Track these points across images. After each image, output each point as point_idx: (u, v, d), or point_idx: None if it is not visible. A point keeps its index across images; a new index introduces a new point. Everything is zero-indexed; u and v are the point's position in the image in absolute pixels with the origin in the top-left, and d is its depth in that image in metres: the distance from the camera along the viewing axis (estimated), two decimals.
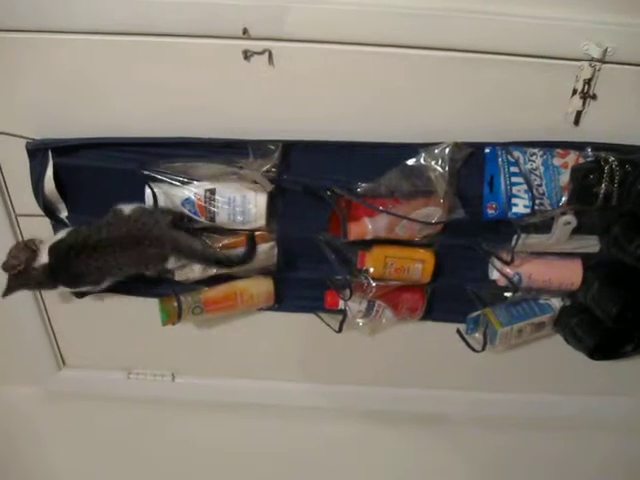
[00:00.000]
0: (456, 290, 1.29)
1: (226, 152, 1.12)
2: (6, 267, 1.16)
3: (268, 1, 1.01)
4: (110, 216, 1.14)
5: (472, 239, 1.21)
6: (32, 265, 1.15)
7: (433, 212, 1.12)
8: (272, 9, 1.01)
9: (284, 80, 1.08)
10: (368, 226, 1.14)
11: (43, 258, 1.15)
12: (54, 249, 1.15)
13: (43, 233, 1.21)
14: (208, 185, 1.13)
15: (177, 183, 1.14)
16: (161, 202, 1.14)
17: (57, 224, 1.22)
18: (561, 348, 1.34)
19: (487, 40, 1.05)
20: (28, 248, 1.16)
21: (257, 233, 1.20)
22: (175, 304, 1.25)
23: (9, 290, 1.18)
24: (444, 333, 1.35)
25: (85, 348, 1.48)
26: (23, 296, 1.35)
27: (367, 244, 1.20)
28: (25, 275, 1.16)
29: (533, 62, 1.07)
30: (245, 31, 1.03)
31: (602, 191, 1.10)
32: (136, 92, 1.12)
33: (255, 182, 1.13)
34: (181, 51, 1.07)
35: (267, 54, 1.05)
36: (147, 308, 1.30)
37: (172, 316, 1.25)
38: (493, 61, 1.07)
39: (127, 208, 1.14)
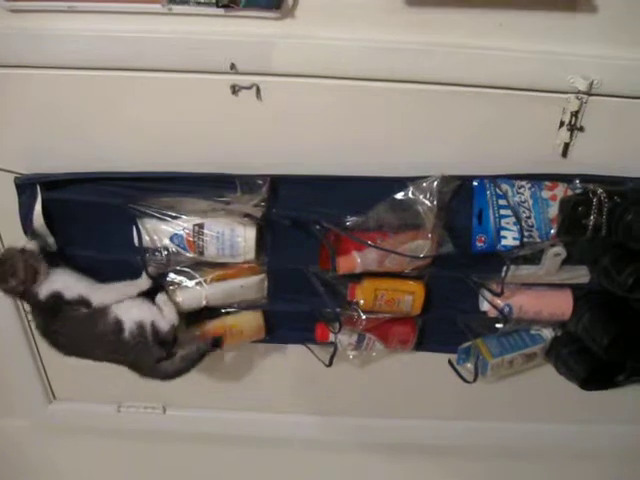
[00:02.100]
0: (447, 321, 1.29)
1: (214, 187, 1.12)
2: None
3: (255, 37, 1.02)
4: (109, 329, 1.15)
5: (462, 271, 1.21)
6: (33, 289, 1.13)
7: (422, 245, 1.12)
8: (259, 45, 1.02)
9: (272, 115, 1.09)
10: (357, 260, 1.13)
11: (53, 284, 1.14)
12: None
13: None
14: (196, 220, 1.13)
15: (165, 218, 1.14)
16: (149, 238, 1.14)
17: (46, 257, 1.21)
18: (553, 377, 1.34)
19: (474, 74, 1.05)
20: (29, 267, 1.12)
21: (247, 266, 1.20)
22: None
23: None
24: (435, 363, 1.35)
25: (75, 381, 1.46)
26: (12, 329, 1.35)
27: (357, 276, 1.20)
28: (26, 300, 1.15)
29: (520, 95, 1.07)
30: (233, 66, 1.03)
31: (591, 223, 1.11)
32: (124, 127, 1.12)
33: (244, 216, 1.13)
34: (169, 86, 1.07)
35: (255, 89, 1.05)
36: None
37: None
38: (480, 94, 1.07)
39: (127, 329, 1.14)
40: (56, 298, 1.13)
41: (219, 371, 1.39)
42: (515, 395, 1.46)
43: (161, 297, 1.18)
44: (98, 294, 1.15)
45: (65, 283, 1.14)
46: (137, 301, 1.17)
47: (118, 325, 1.14)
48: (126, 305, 1.16)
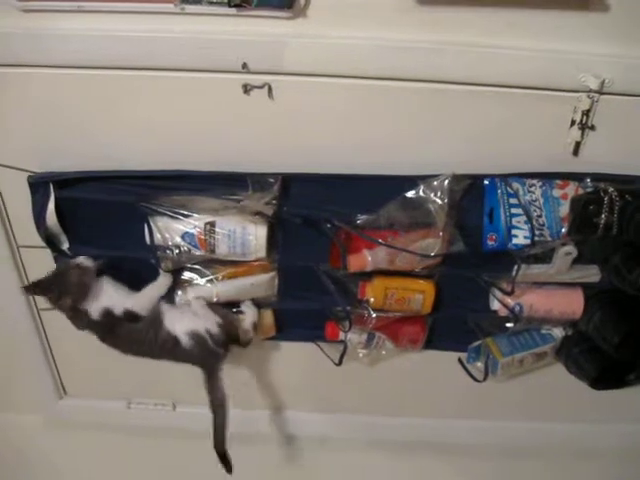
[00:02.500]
0: (457, 320, 1.29)
1: (226, 185, 1.12)
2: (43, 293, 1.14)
3: (267, 36, 1.02)
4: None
5: (473, 270, 1.21)
6: (83, 307, 1.14)
7: (432, 244, 1.12)
8: (271, 44, 1.02)
9: (284, 114, 1.09)
10: (368, 258, 1.14)
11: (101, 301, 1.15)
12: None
13: (44, 264, 1.22)
14: (208, 218, 1.14)
15: (177, 216, 1.14)
16: (161, 236, 1.15)
17: (58, 255, 1.22)
18: (562, 376, 1.34)
19: (486, 73, 1.05)
20: (82, 284, 1.14)
21: (257, 263, 1.20)
22: None
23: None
24: (444, 362, 1.35)
25: (86, 377, 1.48)
26: (24, 325, 1.36)
27: (368, 275, 1.21)
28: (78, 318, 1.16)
29: (531, 94, 1.07)
30: (245, 65, 1.03)
31: (602, 221, 1.10)
32: (137, 126, 1.12)
33: (255, 214, 1.13)
34: (181, 85, 1.07)
35: (267, 88, 1.06)
36: None
37: None
38: (492, 93, 1.07)
39: (183, 341, 1.18)
40: (108, 316, 1.15)
41: (229, 368, 1.39)
42: (524, 394, 1.46)
43: (196, 303, 1.20)
44: (137, 304, 1.17)
45: (111, 299, 1.16)
46: (179, 313, 1.20)
47: (174, 339, 1.18)
48: (172, 318, 1.19)
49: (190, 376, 1.40)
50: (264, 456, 1.58)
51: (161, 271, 1.18)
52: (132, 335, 1.17)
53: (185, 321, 1.18)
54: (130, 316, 1.16)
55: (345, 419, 1.52)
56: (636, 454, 1.60)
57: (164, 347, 1.18)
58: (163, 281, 1.19)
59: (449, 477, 1.65)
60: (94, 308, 1.14)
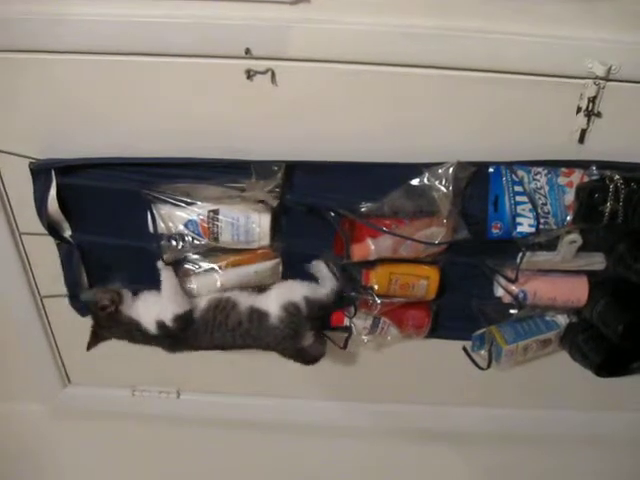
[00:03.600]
0: (461, 307, 1.28)
1: (229, 173, 1.12)
2: (94, 305, 1.16)
3: (271, 21, 1.01)
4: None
5: (477, 257, 1.20)
6: (120, 309, 1.16)
7: (437, 232, 1.11)
8: (275, 29, 1.01)
9: (287, 100, 1.08)
10: (371, 247, 1.13)
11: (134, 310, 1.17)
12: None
13: (46, 251, 1.22)
14: (211, 206, 1.13)
15: (180, 204, 1.14)
16: (164, 224, 1.14)
17: (61, 243, 1.22)
18: (568, 364, 1.33)
19: (491, 59, 1.04)
20: (110, 291, 1.16)
21: (261, 251, 1.20)
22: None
23: (94, 340, 1.20)
24: (449, 350, 1.35)
25: (90, 365, 1.47)
26: (28, 313, 1.36)
27: (372, 261, 1.19)
28: (115, 319, 1.16)
29: (537, 80, 1.06)
30: (248, 51, 1.02)
31: (607, 210, 1.10)
32: (139, 112, 1.12)
33: (258, 202, 1.13)
34: (184, 71, 1.07)
35: (270, 74, 1.05)
36: None
37: None
38: (497, 80, 1.06)
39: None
40: (164, 327, 1.17)
41: (233, 356, 1.38)
42: (530, 382, 1.46)
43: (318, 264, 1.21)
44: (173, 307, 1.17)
45: (151, 311, 1.18)
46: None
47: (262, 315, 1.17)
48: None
49: (195, 363, 1.41)
50: (267, 444, 1.59)
51: (160, 265, 1.18)
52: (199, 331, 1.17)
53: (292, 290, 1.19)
54: (180, 320, 1.16)
55: (350, 406, 1.52)
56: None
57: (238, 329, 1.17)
58: (167, 274, 1.18)
59: (452, 464, 1.66)
60: (148, 324, 1.16)
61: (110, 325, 1.17)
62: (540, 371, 1.42)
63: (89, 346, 1.20)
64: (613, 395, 1.48)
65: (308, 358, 1.25)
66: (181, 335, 1.17)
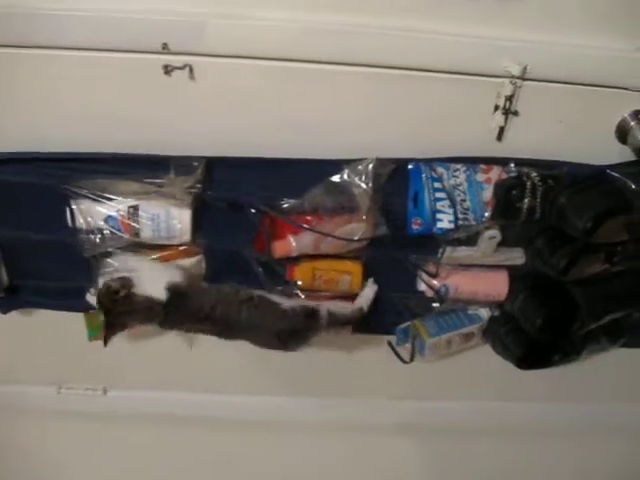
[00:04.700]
0: (386, 301, 1.29)
1: (148, 168, 1.10)
2: (106, 291, 1.11)
3: (187, 16, 1.00)
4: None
5: (399, 252, 1.21)
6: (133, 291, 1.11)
7: (357, 228, 1.12)
8: (191, 24, 1.00)
9: (207, 95, 1.07)
10: (292, 244, 1.13)
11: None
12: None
13: None
14: (131, 202, 1.11)
15: (100, 200, 1.12)
16: (83, 219, 1.12)
17: None
18: (493, 356, 1.35)
19: (409, 57, 1.05)
20: (118, 277, 1.12)
21: (184, 247, 1.19)
22: (101, 320, 1.22)
23: (110, 330, 1.15)
24: (376, 343, 1.36)
25: (14, 363, 1.44)
26: None
27: (296, 256, 1.20)
28: (131, 301, 1.12)
29: (455, 79, 1.08)
30: (165, 46, 1.01)
31: (525, 206, 1.12)
32: (58, 107, 1.09)
33: (179, 198, 1.11)
34: (101, 66, 1.05)
35: (188, 69, 1.04)
36: (76, 321, 1.27)
37: (99, 331, 1.22)
38: (416, 77, 1.07)
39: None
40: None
41: (158, 351, 1.38)
42: (454, 374, 1.48)
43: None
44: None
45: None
46: None
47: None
48: None
49: (121, 360, 1.40)
50: (195, 439, 1.59)
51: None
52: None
53: None
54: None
55: (276, 401, 1.53)
56: (573, 432, 1.66)
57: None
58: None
59: (382, 456, 1.67)
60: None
61: (128, 310, 1.12)
62: (469, 363, 1.44)
63: (106, 340, 1.14)
64: (550, 386, 1.51)
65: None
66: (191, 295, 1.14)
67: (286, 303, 1.15)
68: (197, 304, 1.13)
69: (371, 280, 1.24)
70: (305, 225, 1.11)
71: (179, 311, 1.13)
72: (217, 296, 1.14)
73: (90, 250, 1.15)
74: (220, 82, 1.06)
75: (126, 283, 1.11)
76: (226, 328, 1.16)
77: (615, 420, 1.63)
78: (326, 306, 1.18)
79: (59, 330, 1.34)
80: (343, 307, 1.20)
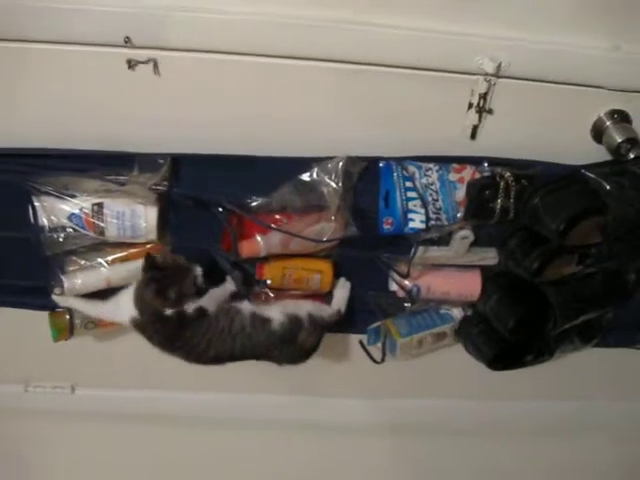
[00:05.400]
0: (358, 300, 1.27)
1: (113, 165, 1.07)
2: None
3: (151, 9, 0.97)
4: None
5: (371, 251, 1.19)
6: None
7: (327, 227, 1.10)
8: (155, 17, 0.97)
9: (172, 91, 1.05)
10: (260, 244, 1.11)
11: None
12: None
13: None
14: (95, 199, 1.08)
15: (64, 197, 1.09)
16: (46, 217, 1.09)
17: None
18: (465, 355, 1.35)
19: (383, 53, 1.03)
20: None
21: (150, 246, 1.16)
22: (67, 319, 1.20)
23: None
24: (348, 342, 1.35)
25: None
26: None
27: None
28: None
29: (428, 75, 1.06)
30: (127, 40, 0.98)
31: (498, 206, 1.11)
32: (19, 102, 1.07)
33: (145, 196, 1.09)
34: (64, 59, 1.02)
35: (152, 63, 1.01)
36: (43, 319, 1.23)
37: (63, 332, 1.20)
38: (389, 74, 1.05)
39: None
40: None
41: (127, 350, 1.35)
42: (430, 372, 1.47)
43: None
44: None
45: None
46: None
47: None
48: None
49: (89, 358, 1.38)
50: (163, 437, 1.57)
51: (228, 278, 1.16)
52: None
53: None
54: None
55: (239, 399, 1.52)
56: (539, 430, 1.65)
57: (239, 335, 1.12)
58: (229, 287, 1.16)
59: (350, 456, 1.67)
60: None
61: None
62: (442, 361, 1.43)
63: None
64: (518, 385, 1.50)
65: (303, 354, 1.19)
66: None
67: (275, 318, 1.13)
68: (190, 344, 1.11)
69: (343, 279, 1.22)
70: (272, 225, 1.09)
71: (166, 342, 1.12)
72: (210, 336, 1.10)
73: (53, 248, 1.12)
74: (186, 77, 1.04)
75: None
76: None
77: (593, 419, 1.64)
78: (305, 309, 1.16)
79: (26, 328, 1.30)
80: (321, 310, 1.19)
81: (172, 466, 1.62)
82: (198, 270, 1.08)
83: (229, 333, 1.10)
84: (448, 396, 1.55)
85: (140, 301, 1.07)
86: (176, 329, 1.08)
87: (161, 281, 1.05)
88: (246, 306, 1.14)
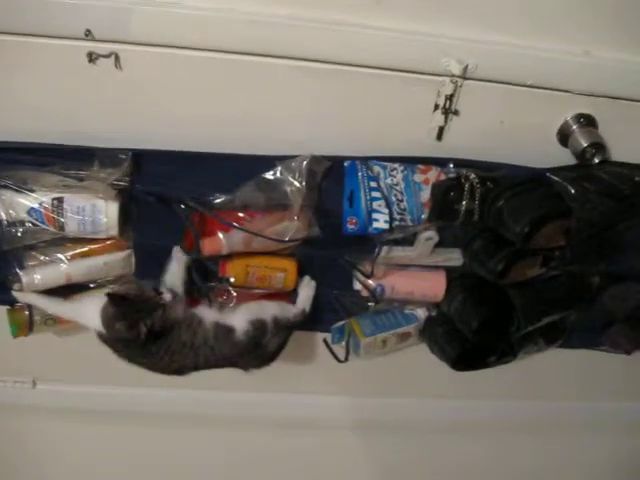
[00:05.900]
0: (322, 299, 1.26)
1: (73, 159, 1.05)
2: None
3: (112, 2, 0.95)
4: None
5: (335, 251, 1.19)
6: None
7: (290, 227, 1.09)
8: (116, 10, 0.96)
9: (134, 85, 1.03)
10: (223, 242, 1.09)
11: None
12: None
13: None
14: (55, 194, 1.06)
15: (23, 191, 1.06)
16: (4, 211, 1.07)
17: None
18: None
19: (347, 52, 1.02)
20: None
21: (111, 242, 1.14)
22: (26, 315, 1.18)
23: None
24: (314, 340, 1.34)
25: None
26: None
27: None
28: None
29: (395, 75, 1.05)
30: (88, 32, 0.96)
31: (463, 208, 1.10)
32: None
33: (105, 191, 1.07)
34: (23, 51, 0.99)
35: (114, 57, 0.99)
36: (2, 313, 1.22)
37: (23, 328, 1.18)
38: (355, 73, 1.04)
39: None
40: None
41: (89, 345, 1.33)
42: (396, 371, 1.47)
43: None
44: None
45: None
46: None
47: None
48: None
49: (50, 352, 1.36)
50: (125, 434, 1.56)
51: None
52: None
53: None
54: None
55: (205, 395, 1.50)
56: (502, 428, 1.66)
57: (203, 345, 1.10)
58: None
59: (322, 452, 1.67)
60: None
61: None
62: (406, 359, 1.43)
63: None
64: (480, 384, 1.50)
65: (267, 358, 1.17)
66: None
67: (239, 327, 1.11)
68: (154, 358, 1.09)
69: (308, 278, 1.22)
70: (234, 223, 1.07)
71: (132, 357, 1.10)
72: (174, 350, 1.09)
73: (11, 243, 1.10)
74: (148, 72, 1.02)
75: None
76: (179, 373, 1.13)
77: (557, 418, 1.67)
78: (270, 312, 1.15)
79: None
80: (286, 310, 1.18)
81: (134, 461, 1.62)
82: (168, 297, 1.07)
83: (191, 347, 1.08)
84: (414, 394, 1.55)
85: (106, 323, 1.05)
86: (142, 347, 1.07)
87: (131, 316, 1.03)
88: (208, 314, 1.12)
